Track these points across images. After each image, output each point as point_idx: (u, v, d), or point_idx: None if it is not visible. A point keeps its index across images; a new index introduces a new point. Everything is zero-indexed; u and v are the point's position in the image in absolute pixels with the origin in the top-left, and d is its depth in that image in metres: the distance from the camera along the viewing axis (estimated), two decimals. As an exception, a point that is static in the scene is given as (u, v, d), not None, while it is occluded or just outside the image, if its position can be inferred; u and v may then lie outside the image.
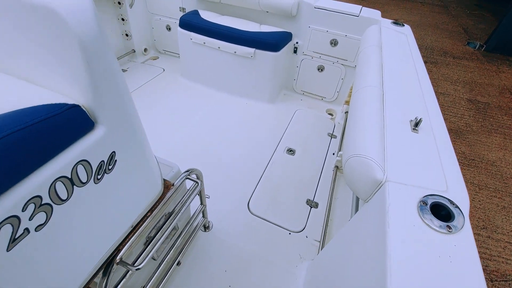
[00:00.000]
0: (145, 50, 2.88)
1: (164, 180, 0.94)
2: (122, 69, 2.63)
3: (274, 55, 2.08)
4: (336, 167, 1.76)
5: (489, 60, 4.98)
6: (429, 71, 4.50)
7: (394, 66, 1.25)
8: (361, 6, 2.06)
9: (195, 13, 2.29)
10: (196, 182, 1.02)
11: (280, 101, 2.46)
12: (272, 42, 2.02)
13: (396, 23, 1.87)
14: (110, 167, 0.62)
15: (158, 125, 2.03)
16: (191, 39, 2.22)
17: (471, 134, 3.42)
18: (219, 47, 2.15)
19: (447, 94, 4.05)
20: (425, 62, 4.79)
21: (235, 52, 2.11)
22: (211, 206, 1.53)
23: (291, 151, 1.95)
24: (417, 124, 0.92)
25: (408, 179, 0.74)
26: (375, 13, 2.01)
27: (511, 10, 4.74)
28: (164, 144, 1.87)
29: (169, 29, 2.72)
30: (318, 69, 2.30)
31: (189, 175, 0.96)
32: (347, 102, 2.03)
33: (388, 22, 1.88)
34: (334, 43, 2.11)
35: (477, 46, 5.31)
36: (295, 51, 2.32)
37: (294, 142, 2.02)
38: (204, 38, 2.16)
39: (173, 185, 0.92)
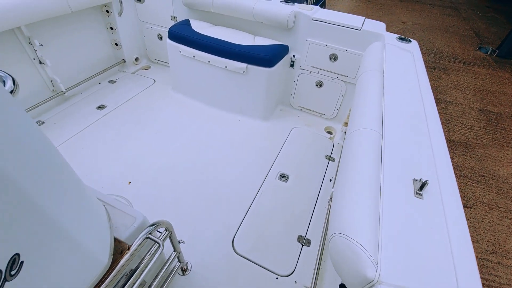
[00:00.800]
0: (137, 59, 2.78)
1: (119, 241, 0.80)
2: (111, 80, 2.55)
3: (268, 71, 1.95)
4: (331, 198, 1.58)
5: (502, 66, 4.76)
6: (438, 78, 4.32)
7: (396, 99, 1.11)
8: (364, 18, 1.91)
9: (186, 23, 2.17)
10: (168, 231, 0.91)
11: (275, 117, 2.32)
12: (266, 57, 1.89)
13: (402, 38, 1.72)
14: (12, 273, 0.48)
15: (141, 145, 1.91)
16: (180, 51, 2.11)
17: (481, 148, 3.25)
18: (209, 61, 2.02)
19: (457, 103, 3.87)
20: (434, 69, 4.61)
21: (226, 67, 1.98)
22: (191, 243, 1.40)
23: (284, 177, 1.81)
24: (422, 187, 0.77)
25: (407, 280, 0.59)
26: (379, 26, 1.84)
27: (526, 14, 4.51)
28: (143, 169, 1.75)
29: (161, 38, 2.62)
30: (317, 85, 2.16)
31: (154, 230, 0.82)
32: (346, 124, 1.90)
33: (393, 37, 1.73)
34: (333, 58, 1.96)
35: (489, 51, 5.09)
36: (291, 65, 2.17)
37: (288, 166, 1.88)
38: (194, 51, 2.04)
39: (129, 248, 0.77)
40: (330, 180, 1.80)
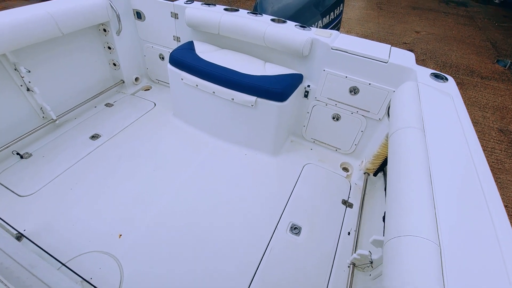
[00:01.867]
0: (136, 79, 2.60)
1: None
2: (108, 103, 2.37)
3: (280, 105, 1.74)
4: (353, 264, 1.33)
5: (522, 81, 4.50)
6: (454, 94, 4.08)
7: (444, 166, 0.90)
8: (389, 46, 1.68)
9: (190, 46, 1.99)
10: None
11: (286, 150, 2.09)
12: (278, 91, 1.67)
13: (437, 75, 1.45)
14: None
15: (136, 187, 1.71)
16: (182, 79, 1.92)
17: (503, 174, 3.01)
18: (213, 92, 1.83)
19: (475, 122, 3.63)
20: (450, 83, 4.38)
21: (233, 99, 1.78)
22: None
23: (295, 229, 1.57)
24: None
25: None
26: (408, 58, 1.58)
27: (550, 27, 4.25)
28: (136, 218, 1.55)
29: (162, 58, 2.44)
30: (333, 118, 1.93)
31: None
32: (369, 170, 1.68)
33: (426, 74, 1.46)
34: (354, 91, 1.72)
35: (508, 64, 4.83)
36: (305, 95, 1.94)
37: (300, 213, 1.64)
38: (197, 80, 1.85)
39: None
40: (349, 234, 1.58)
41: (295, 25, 1.80)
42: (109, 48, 2.29)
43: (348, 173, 1.98)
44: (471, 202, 0.82)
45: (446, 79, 1.43)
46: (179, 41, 2.25)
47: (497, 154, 3.26)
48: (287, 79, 1.76)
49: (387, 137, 1.39)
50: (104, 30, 2.20)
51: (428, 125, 1.04)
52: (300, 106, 2.01)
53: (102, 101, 2.39)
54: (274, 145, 1.98)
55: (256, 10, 2.12)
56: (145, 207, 1.61)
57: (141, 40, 2.43)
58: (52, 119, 1.98)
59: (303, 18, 1.97)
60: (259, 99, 1.73)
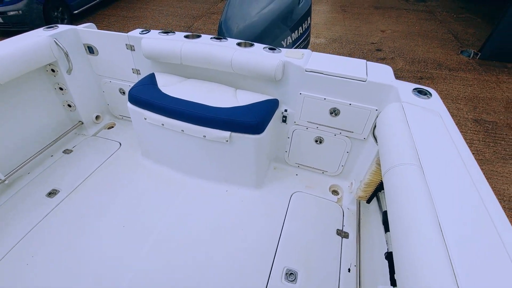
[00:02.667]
0: (97, 117, 2.36)
1: None
2: (67, 150, 2.12)
3: (257, 138, 1.58)
4: None
5: (487, 69, 4.68)
6: (427, 89, 4.17)
7: (449, 202, 0.80)
8: (365, 62, 1.60)
9: (150, 80, 1.79)
10: None
11: (270, 180, 1.92)
12: (253, 123, 1.52)
13: (419, 91, 1.37)
14: None
15: (103, 250, 1.47)
16: (145, 118, 1.72)
17: (485, 164, 3.06)
18: (182, 130, 1.65)
19: (451, 115, 3.69)
20: (421, 79, 4.47)
21: (205, 136, 1.62)
22: None
23: (291, 275, 1.40)
24: None
25: None
26: (386, 73, 1.50)
27: (505, 16, 4.47)
28: (111, 285, 1.34)
29: (123, 93, 2.22)
30: (316, 141, 1.81)
31: None
32: (362, 198, 1.57)
33: (408, 90, 1.37)
34: (335, 112, 1.62)
35: (471, 54, 5.03)
36: (284, 121, 1.81)
37: (294, 254, 1.48)
38: (162, 118, 1.66)
39: None
40: (349, 271, 1.45)
41: (264, 48, 1.68)
42: (61, 89, 2.05)
43: (338, 196, 1.85)
44: (485, 243, 0.72)
45: (430, 94, 1.36)
46: (139, 73, 2.06)
47: (476, 145, 3.32)
48: (261, 107, 1.62)
49: (377, 163, 1.29)
50: (53, 70, 1.96)
51: (423, 158, 0.95)
52: (279, 132, 1.88)
53: (59, 148, 2.13)
54: (256, 177, 1.82)
55: (221, 30, 2.00)
56: (118, 272, 1.40)
57: (97, 75, 2.22)
58: (0, 179, 1.72)
59: (272, 35, 1.87)
60: (234, 134, 1.57)
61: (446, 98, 4.02)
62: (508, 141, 3.36)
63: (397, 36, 5.72)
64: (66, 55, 1.90)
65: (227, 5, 1.99)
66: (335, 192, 1.88)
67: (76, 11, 6.06)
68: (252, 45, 1.69)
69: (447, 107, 3.97)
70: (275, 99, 1.73)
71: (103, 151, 2.11)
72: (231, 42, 1.73)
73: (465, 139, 3.33)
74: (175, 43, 1.71)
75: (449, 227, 0.76)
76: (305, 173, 1.99)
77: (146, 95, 1.69)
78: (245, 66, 1.60)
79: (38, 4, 5.24)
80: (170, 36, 1.80)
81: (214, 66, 1.68)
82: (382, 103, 1.48)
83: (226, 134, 1.56)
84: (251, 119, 1.53)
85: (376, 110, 1.50)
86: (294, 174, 1.98)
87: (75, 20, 6.16)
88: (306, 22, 2.02)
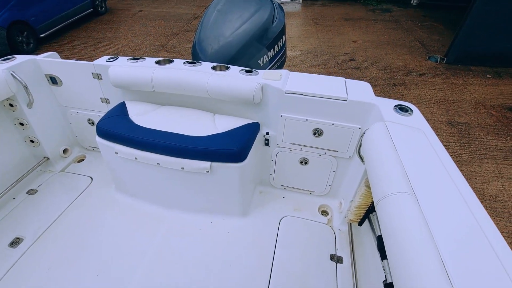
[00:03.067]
0: (65, 151, 2.16)
1: None
2: (31, 190, 1.92)
3: (240, 166, 1.50)
4: None
5: (453, 73, 4.94)
6: (401, 95, 4.30)
7: (445, 229, 0.77)
8: (343, 79, 1.57)
9: (121, 110, 1.67)
10: None
11: (256, 205, 1.82)
12: (234, 151, 1.44)
13: (401, 108, 1.35)
14: None
15: None
16: (116, 153, 1.59)
17: (463, 165, 3.15)
18: (158, 163, 1.53)
19: (426, 119, 3.82)
20: (394, 85, 4.63)
21: (183, 168, 1.50)
22: None
23: None
24: None
25: None
26: (366, 90, 1.48)
27: (465, 23, 4.77)
28: None
29: (92, 123, 2.07)
30: (301, 162, 1.75)
31: None
32: (353, 221, 1.52)
33: (389, 107, 1.35)
34: (318, 133, 1.57)
35: (438, 59, 5.30)
36: (266, 143, 1.74)
37: (288, 286, 1.39)
38: (135, 152, 1.53)
39: None
40: None
41: (240, 70, 1.61)
42: (21, 124, 1.89)
43: (328, 217, 1.79)
44: (489, 274, 0.69)
45: (411, 110, 1.36)
46: (108, 102, 1.92)
47: (453, 147, 3.43)
48: (242, 133, 1.54)
49: (366, 185, 1.26)
50: (11, 105, 1.80)
51: (415, 184, 0.91)
52: (263, 155, 1.80)
53: (23, 188, 1.93)
54: (241, 205, 1.72)
55: (195, 51, 1.94)
56: None
57: (62, 106, 2.06)
58: None
59: (248, 55, 1.84)
60: (215, 163, 1.48)
61: (419, 103, 4.16)
62: (481, 140, 3.50)
63: (368, 45, 5.94)
64: (25, 88, 1.74)
65: (200, 27, 1.94)
66: (324, 213, 1.82)
67: (42, 35, 5.82)
68: (227, 68, 1.63)
69: (422, 112, 4.11)
70: (256, 122, 1.66)
71: (73, 188, 1.93)
72: (206, 66, 1.65)
73: (442, 141, 3.42)
74: (146, 70, 1.61)
75: (449, 257, 0.72)
76: (292, 195, 1.92)
77: (116, 127, 1.56)
78: (222, 91, 1.52)
79: (1, 30, 4.98)
80: (140, 63, 1.70)
81: (189, 92, 1.59)
82: (364, 121, 1.47)
83: (206, 164, 1.46)
84: (232, 147, 1.44)
85: (359, 128, 1.48)
86: (281, 197, 1.91)
87: (41, 43, 5.91)
88: (281, 40, 2.01)
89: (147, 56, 5.82)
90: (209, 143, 1.45)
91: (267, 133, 1.69)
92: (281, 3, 8.82)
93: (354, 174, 1.58)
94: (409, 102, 4.58)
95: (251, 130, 1.59)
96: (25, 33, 5.47)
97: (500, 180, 2.99)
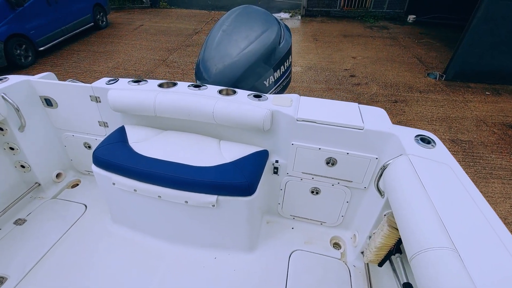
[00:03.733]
0: (58, 175, 2.03)
1: None
2: (19, 220, 1.77)
3: (248, 200, 1.38)
4: None
5: (453, 90, 4.96)
6: (403, 112, 4.29)
7: (487, 279, 0.71)
8: (357, 105, 1.50)
9: (120, 135, 1.55)
10: None
11: (264, 238, 1.69)
12: (243, 184, 1.32)
13: (422, 139, 1.27)
14: None
15: None
16: (114, 184, 1.46)
17: (470, 185, 3.09)
18: (159, 196, 1.40)
19: (429, 137, 3.78)
20: (396, 102, 4.62)
21: (187, 202, 1.38)
22: None
23: None
24: None
25: None
26: (382, 117, 1.40)
27: (463, 41, 4.83)
28: None
29: (89, 147, 1.95)
30: (312, 192, 1.64)
31: None
32: (373, 262, 1.41)
33: (410, 137, 1.27)
34: (331, 162, 1.48)
35: (437, 76, 5.34)
36: (275, 172, 1.63)
37: None
38: (134, 183, 1.41)
39: None
40: None
41: (248, 95, 1.52)
42: (11, 148, 1.77)
43: (341, 250, 1.67)
44: None
45: (434, 142, 1.28)
46: (107, 126, 1.82)
47: (458, 166, 3.38)
48: (250, 162, 1.43)
49: (389, 225, 1.17)
50: (1, 129, 1.69)
51: (454, 236, 0.83)
52: (271, 184, 1.69)
53: (10, 218, 1.77)
54: (249, 239, 1.60)
55: (199, 71, 1.88)
56: None
57: (56, 129, 1.94)
58: None
59: (255, 76, 1.78)
60: (221, 197, 1.35)
61: (421, 120, 4.14)
62: (485, 159, 3.45)
63: (367, 62, 5.99)
64: (17, 110, 1.65)
65: (204, 47, 1.89)
66: (336, 245, 1.70)
67: (41, 48, 5.79)
68: (235, 92, 1.55)
69: (423, 129, 4.08)
70: (265, 150, 1.56)
71: (65, 218, 1.78)
72: (212, 89, 1.57)
73: (447, 160, 3.39)
74: (148, 94, 1.52)
75: None
76: (301, 225, 1.80)
77: (114, 156, 1.44)
78: (230, 118, 1.43)
79: (-2, 43, 4.94)
80: (141, 86, 1.60)
81: (194, 117, 1.50)
82: (382, 151, 1.39)
83: (212, 198, 1.35)
84: (241, 179, 1.34)
85: (377, 158, 1.40)
86: (290, 228, 1.78)
87: (40, 56, 5.87)
88: (287, 60, 1.97)
89: (148, 70, 5.73)
90: (216, 175, 1.34)
91: (276, 161, 1.59)
92: (281, 19, 8.97)
93: (370, 207, 1.48)
94: (412, 119, 4.52)
95: (260, 159, 1.49)
96: (24, 46, 5.43)
97: (508, 201, 2.92)
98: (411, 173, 1.07)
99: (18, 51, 5.34)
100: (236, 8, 2.00)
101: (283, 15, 9.53)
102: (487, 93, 4.93)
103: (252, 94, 1.54)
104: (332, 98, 5.30)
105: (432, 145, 1.25)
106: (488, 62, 5.03)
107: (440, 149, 1.23)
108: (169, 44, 6.70)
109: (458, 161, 3.44)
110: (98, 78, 5.13)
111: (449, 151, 4.02)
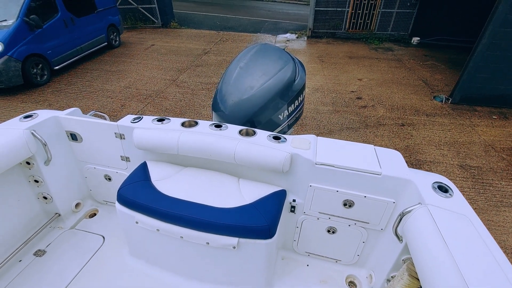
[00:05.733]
0: (77, 205, 2.09)
1: None
2: (39, 251, 1.79)
3: (268, 243, 1.41)
4: None
5: (460, 113, 4.99)
6: (410, 136, 4.32)
7: None
8: (373, 147, 1.54)
9: (142, 174, 1.61)
10: None
11: (279, 275, 1.71)
12: (264, 227, 1.36)
13: (439, 187, 1.30)
14: None
15: None
16: (137, 222, 1.51)
17: (480, 214, 3.06)
18: (181, 237, 1.45)
19: (438, 162, 3.79)
20: (403, 125, 4.66)
21: (208, 243, 1.42)
22: None
23: None
24: None
25: None
26: (398, 161, 1.44)
27: (469, 66, 4.91)
28: None
29: (109, 179, 2.01)
30: (328, 231, 1.68)
31: None
32: None
33: (427, 184, 1.30)
34: (349, 204, 1.52)
35: (443, 99, 5.40)
36: (292, 210, 1.67)
37: None
38: (158, 223, 1.45)
39: None
40: None
41: (268, 136, 1.58)
42: (36, 181, 1.83)
43: None
44: None
45: (451, 190, 1.31)
46: (129, 160, 1.88)
47: (468, 193, 3.37)
48: (270, 204, 1.47)
49: (410, 274, 1.19)
50: (27, 163, 1.76)
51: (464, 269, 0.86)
52: (287, 221, 1.73)
53: (31, 249, 1.80)
54: (265, 277, 1.60)
55: (216, 104, 1.96)
56: None
57: (79, 161, 2.02)
58: None
59: (271, 110, 1.85)
60: (242, 240, 1.39)
61: (429, 144, 4.16)
62: (495, 186, 3.44)
63: (373, 84, 6.09)
64: (45, 145, 1.71)
65: (221, 81, 1.98)
66: (352, 284, 1.70)
67: (57, 67, 6.01)
68: (254, 133, 1.61)
69: (432, 154, 4.07)
70: (283, 190, 1.60)
71: (83, 249, 1.81)
72: (232, 130, 1.63)
73: (457, 186, 3.38)
74: (171, 134, 1.58)
75: None
76: (316, 262, 1.81)
77: (139, 196, 1.49)
78: (250, 159, 1.49)
79: (16, 62, 5.14)
80: (165, 125, 1.67)
81: (215, 157, 1.56)
82: (399, 196, 1.42)
83: (234, 240, 1.38)
84: (261, 222, 1.37)
85: (394, 202, 1.43)
86: (305, 265, 1.79)
87: (55, 75, 6.08)
88: (301, 95, 2.04)
89: (158, 90, 5.85)
90: (237, 217, 1.38)
91: (294, 200, 1.63)
92: (287, 41, 9.21)
93: (387, 248, 1.49)
94: (419, 143, 4.52)
95: (278, 200, 1.52)
96: (40, 65, 5.65)
97: (521, 231, 2.89)
98: (432, 225, 1.09)
99: (35, 70, 5.54)
100: (253, 46, 2.09)
101: (289, 36, 9.79)
102: (494, 117, 4.96)
103: (271, 135, 1.59)
104: (339, 120, 5.32)
105: (450, 194, 1.28)
106: (494, 87, 5.09)
107: (458, 199, 1.26)
108: (179, 64, 6.90)
109: (468, 187, 3.43)
110: (111, 97, 5.30)
111: (458, 177, 3.96)
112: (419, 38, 8.88)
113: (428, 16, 8.81)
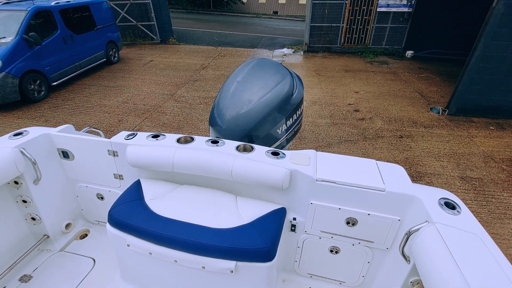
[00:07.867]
0: (68, 225, 1.98)
1: None
2: (25, 277, 1.69)
3: (268, 266, 1.32)
4: None
5: (457, 125, 5.01)
6: (409, 148, 4.30)
7: None
8: (375, 162, 1.50)
9: (135, 193, 1.53)
10: None
11: None
12: (263, 250, 1.27)
13: (446, 203, 1.25)
14: None
15: None
16: (129, 245, 1.42)
17: (485, 227, 2.99)
18: (175, 261, 1.36)
19: (438, 174, 3.76)
20: (401, 137, 4.65)
21: (204, 267, 1.33)
22: None
23: None
24: None
25: None
26: (401, 176, 1.39)
27: (463, 78, 4.97)
28: None
29: (102, 198, 1.93)
30: (331, 251, 1.60)
31: None
32: None
33: (433, 201, 1.25)
34: (352, 222, 1.46)
35: (440, 111, 5.43)
36: (292, 230, 1.60)
37: None
38: (150, 246, 1.36)
39: None
40: None
41: (266, 152, 1.52)
42: (24, 201, 1.75)
43: None
44: None
45: (459, 207, 1.26)
46: (122, 178, 1.82)
47: (470, 205, 3.31)
48: (269, 223, 1.39)
49: None
50: (16, 182, 1.68)
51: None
52: (288, 241, 1.65)
53: (16, 273, 1.70)
54: None
55: (213, 118, 1.93)
56: None
57: (70, 179, 1.94)
58: None
59: (269, 124, 1.82)
60: (240, 263, 1.30)
61: (429, 156, 4.13)
62: (497, 198, 3.39)
63: (370, 96, 6.13)
64: (34, 164, 1.64)
65: (219, 96, 1.96)
66: None
67: (55, 83, 6.01)
68: (252, 148, 1.55)
69: (433, 166, 4.03)
70: (282, 207, 1.53)
71: (73, 274, 1.70)
72: (229, 145, 1.58)
73: (459, 197, 3.32)
74: (166, 151, 1.52)
75: None
76: (319, 284, 1.72)
77: (131, 217, 1.41)
78: (248, 176, 1.43)
79: (13, 79, 5.13)
80: (160, 142, 1.61)
81: (212, 175, 1.50)
82: (405, 213, 1.38)
83: (231, 264, 1.29)
84: (260, 244, 1.29)
85: (399, 220, 1.38)
86: (307, 287, 1.72)
87: (53, 91, 6.07)
88: (300, 109, 2.02)
89: (156, 105, 5.84)
90: (234, 239, 1.30)
91: (294, 219, 1.56)
92: (284, 55, 9.36)
93: (393, 269, 1.43)
94: (419, 155, 4.48)
95: (278, 219, 1.45)
96: (38, 81, 5.65)
97: (527, 244, 2.82)
98: (441, 246, 1.04)
99: (32, 86, 5.54)
100: (250, 60, 2.09)
101: (286, 50, 9.96)
102: (491, 127, 4.97)
103: (270, 151, 1.54)
104: (337, 133, 5.28)
105: (457, 211, 1.23)
106: (489, 98, 5.14)
107: (466, 215, 1.21)
108: (178, 79, 6.94)
109: (470, 200, 3.38)
110: (108, 113, 5.27)
111: (460, 189, 3.90)
112: (413, 52, 9.05)
113: (420, 30, 9.02)
